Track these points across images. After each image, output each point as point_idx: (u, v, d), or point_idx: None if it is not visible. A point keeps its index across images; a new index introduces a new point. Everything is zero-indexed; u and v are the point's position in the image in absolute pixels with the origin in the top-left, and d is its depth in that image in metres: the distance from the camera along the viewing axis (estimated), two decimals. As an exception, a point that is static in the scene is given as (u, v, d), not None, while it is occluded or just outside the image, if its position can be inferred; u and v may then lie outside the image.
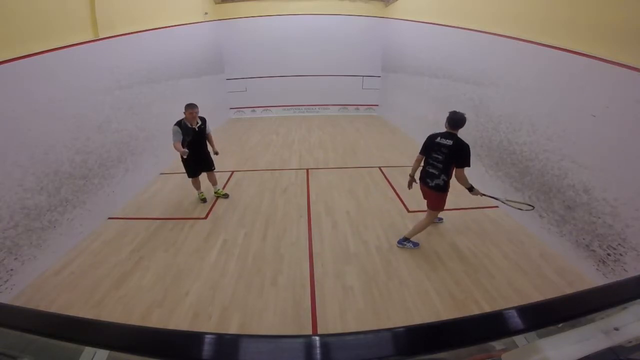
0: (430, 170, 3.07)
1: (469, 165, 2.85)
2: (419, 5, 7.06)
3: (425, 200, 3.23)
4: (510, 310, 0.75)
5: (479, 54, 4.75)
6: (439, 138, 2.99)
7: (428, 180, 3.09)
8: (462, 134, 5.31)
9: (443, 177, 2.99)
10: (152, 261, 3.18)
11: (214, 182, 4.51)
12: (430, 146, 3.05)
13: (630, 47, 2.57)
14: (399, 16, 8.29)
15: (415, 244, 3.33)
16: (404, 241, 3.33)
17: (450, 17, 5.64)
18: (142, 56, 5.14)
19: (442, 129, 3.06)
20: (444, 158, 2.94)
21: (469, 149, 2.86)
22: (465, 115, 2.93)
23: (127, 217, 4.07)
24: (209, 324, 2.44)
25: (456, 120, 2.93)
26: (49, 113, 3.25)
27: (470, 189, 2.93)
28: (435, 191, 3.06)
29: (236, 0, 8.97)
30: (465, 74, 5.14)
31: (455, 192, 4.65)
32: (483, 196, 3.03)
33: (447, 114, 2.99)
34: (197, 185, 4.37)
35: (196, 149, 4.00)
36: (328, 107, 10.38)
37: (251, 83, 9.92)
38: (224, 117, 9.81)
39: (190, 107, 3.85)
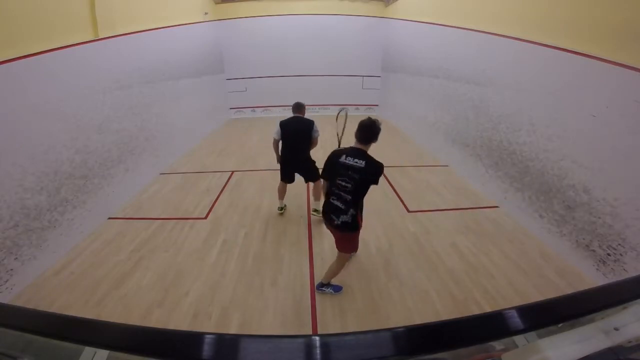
0: (335, 202, 2.26)
1: (376, 184, 2.22)
2: (419, 5, 7.06)
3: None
4: (510, 310, 0.75)
5: (479, 54, 4.75)
6: (343, 157, 2.19)
7: (333, 217, 2.30)
8: (462, 134, 5.28)
9: (351, 211, 2.23)
10: (152, 261, 3.18)
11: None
12: (334, 168, 2.24)
13: (630, 47, 2.57)
14: (399, 16, 8.29)
15: (337, 288, 2.71)
16: (322, 287, 2.70)
17: (450, 17, 5.64)
18: (142, 56, 5.14)
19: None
20: (353, 186, 2.16)
21: (383, 168, 2.18)
22: (380, 125, 2.17)
23: (127, 217, 4.07)
24: (209, 324, 2.44)
25: (370, 129, 2.13)
26: (49, 113, 3.25)
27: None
28: (341, 231, 2.32)
29: (236, 0, 8.96)
30: (465, 74, 5.14)
31: (455, 191, 4.68)
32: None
33: (362, 124, 2.19)
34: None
35: None
36: (328, 107, 10.38)
37: (251, 83, 9.92)
38: (224, 117, 9.81)
39: None
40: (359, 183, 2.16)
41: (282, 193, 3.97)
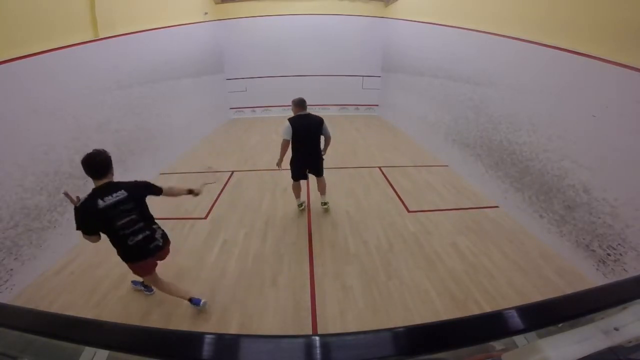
0: (139, 236, 2.12)
1: (158, 186, 2.28)
2: (419, 5, 7.06)
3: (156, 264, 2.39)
4: (510, 310, 0.75)
5: (479, 54, 4.75)
6: (101, 202, 1.93)
7: (151, 246, 2.19)
8: (462, 134, 5.29)
9: (154, 226, 2.25)
10: (152, 261, 3.18)
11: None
12: (103, 219, 1.96)
13: (630, 47, 2.57)
14: (399, 16, 8.29)
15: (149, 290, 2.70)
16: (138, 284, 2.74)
17: (450, 17, 5.64)
18: (142, 56, 5.14)
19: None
20: (134, 208, 2.08)
21: (141, 182, 2.21)
22: (104, 155, 2.00)
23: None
24: (209, 324, 2.44)
25: (101, 160, 1.97)
26: (49, 113, 3.25)
27: (191, 192, 2.51)
28: (166, 246, 2.34)
29: (236, 0, 8.96)
30: (465, 74, 5.14)
31: (455, 191, 4.68)
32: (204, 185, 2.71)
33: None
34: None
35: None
36: (328, 107, 10.37)
37: (251, 83, 9.91)
38: (224, 117, 9.81)
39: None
40: (137, 202, 2.11)
41: (298, 191, 3.99)
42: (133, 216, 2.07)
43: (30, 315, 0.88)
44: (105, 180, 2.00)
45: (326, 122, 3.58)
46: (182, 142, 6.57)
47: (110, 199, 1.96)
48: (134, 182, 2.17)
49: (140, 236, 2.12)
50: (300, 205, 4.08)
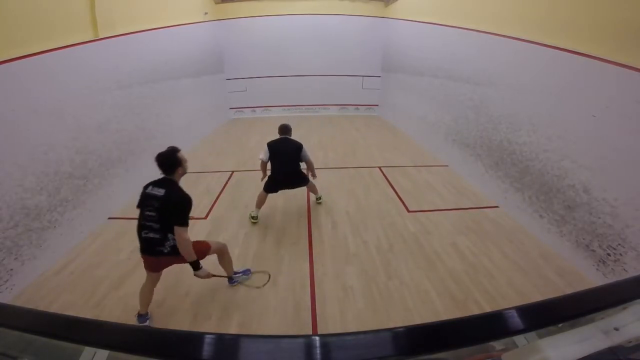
0: (149, 234, 2.16)
1: (185, 224, 2.12)
2: (419, 5, 7.06)
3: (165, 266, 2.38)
4: (510, 310, 0.75)
5: (479, 54, 4.75)
6: (150, 187, 2.19)
7: (154, 248, 2.19)
8: (462, 134, 5.28)
9: (170, 235, 2.16)
10: (152, 261, 3.18)
11: None
12: (142, 200, 2.21)
13: (630, 47, 2.57)
14: (399, 16, 8.29)
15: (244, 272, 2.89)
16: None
17: (450, 17, 5.64)
18: (142, 56, 5.14)
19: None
20: (157, 215, 2.12)
21: (188, 202, 2.15)
22: (179, 154, 2.22)
23: (127, 217, 4.06)
24: (209, 324, 2.44)
25: (165, 159, 2.18)
26: (49, 113, 3.25)
27: (196, 265, 2.21)
28: (177, 255, 2.20)
29: (236, 0, 8.96)
30: (465, 74, 5.14)
31: (455, 191, 4.68)
32: (213, 277, 2.39)
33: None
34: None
35: None
36: (328, 107, 10.37)
37: (251, 83, 9.91)
38: (224, 117, 9.81)
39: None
40: (161, 212, 2.11)
41: (262, 203, 3.85)
42: (153, 214, 2.13)
43: (30, 315, 0.88)
44: (165, 176, 2.22)
45: (305, 148, 3.71)
46: (182, 142, 6.46)
47: (153, 191, 2.16)
48: (180, 195, 2.17)
49: (150, 234, 2.17)
50: (254, 217, 3.83)
